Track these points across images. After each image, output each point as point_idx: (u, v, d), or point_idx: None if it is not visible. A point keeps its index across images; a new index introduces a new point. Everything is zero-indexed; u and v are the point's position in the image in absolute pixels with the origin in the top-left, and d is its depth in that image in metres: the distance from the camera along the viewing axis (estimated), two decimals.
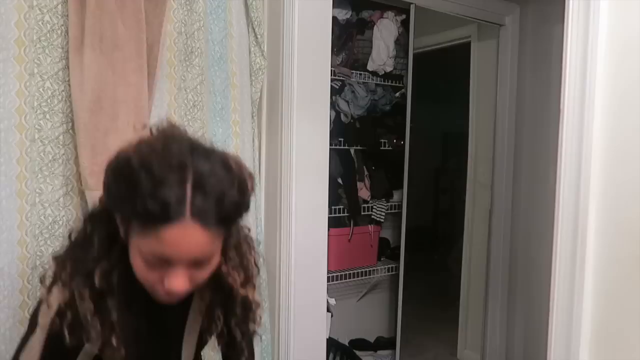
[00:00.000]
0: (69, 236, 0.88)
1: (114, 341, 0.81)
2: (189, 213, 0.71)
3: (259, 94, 1.73)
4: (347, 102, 2.56)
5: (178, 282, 0.76)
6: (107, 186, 0.78)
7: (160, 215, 0.70)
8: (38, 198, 1.31)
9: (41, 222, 1.31)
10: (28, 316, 1.30)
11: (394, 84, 2.72)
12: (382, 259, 2.80)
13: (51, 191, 1.32)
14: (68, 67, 1.31)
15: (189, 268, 0.77)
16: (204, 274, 0.81)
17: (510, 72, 2.74)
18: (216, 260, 0.82)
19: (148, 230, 0.72)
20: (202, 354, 1.05)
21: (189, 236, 0.72)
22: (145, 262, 0.76)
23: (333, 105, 2.47)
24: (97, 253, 0.82)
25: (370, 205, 2.70)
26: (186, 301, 0.92)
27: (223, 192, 0.74)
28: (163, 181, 0.70)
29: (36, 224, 1.31)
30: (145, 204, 0.69)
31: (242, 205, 0.78)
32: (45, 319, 0.83)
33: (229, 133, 1.65)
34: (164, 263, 0.75)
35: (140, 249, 0.75)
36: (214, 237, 0.76)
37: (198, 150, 0.76)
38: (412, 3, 2.57)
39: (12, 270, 1.28)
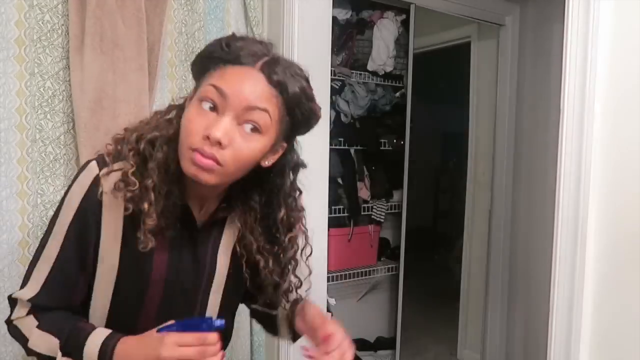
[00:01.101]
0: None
1: (145, 205, 0.78)
2: (259, 66, 0.77)
3: None
4: (347, 102, 2.56)
5: (219, 128, 0.74)
6: (194, 59, 0.83)
7: (233, 57, 0.76)
8: (40, 199, 1.31)
9: (43, 223, 1.31)
10: None
11: (394, 84, 2.73)
12: (382, 259, 2.80)
13: (53, 192, 1.33)
14: (68, 66, 1.31)
15: (236, 124, 0.76)
16: (246, 145, 0.77)
17: (510, 72, 2.74)
18: (262, 142, 0.79)
19: (217, 71, 0.77)
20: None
21: (249, 78, 0.76)
22: (199, 104, 0.76)
23: (333, 105, 2.47)
24: (155, 122, 0.84)
25: (370, 205, 2.70)
26: (217, 237, 0.92)
27: (296, 74, 0.79)
28: (249, 42, 0.79)
29: (38, 226, 1.31)
30: (228, 45, 0.77)
31: (307, 101, 0.81)
32: (85, 180, 0.81)
33: None
34: (215, 105, 0.76)
35: (201, 91, 0.77)
36: (273, 97, 0.77)
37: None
38: (412, 3, 2.57)
39: (12, 272, 1.28)
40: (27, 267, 0.85)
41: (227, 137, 0.75)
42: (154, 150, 0.81)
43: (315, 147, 1.71)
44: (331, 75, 1.82)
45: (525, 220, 2.71)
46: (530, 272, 2.62)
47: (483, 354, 2.93)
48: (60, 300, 0.84)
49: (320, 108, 0.86)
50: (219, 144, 0.74)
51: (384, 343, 2.82)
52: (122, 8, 1.33)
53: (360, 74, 2.60)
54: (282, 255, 0.93)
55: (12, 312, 0.85)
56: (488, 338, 2.89)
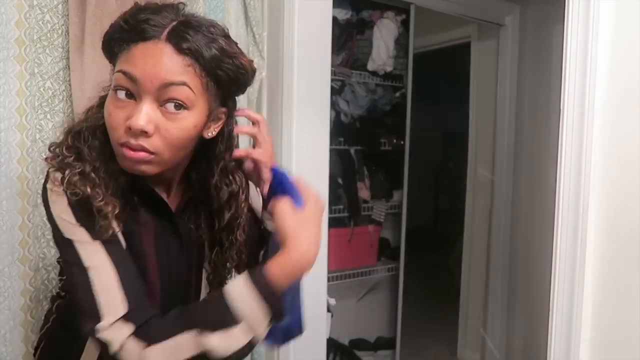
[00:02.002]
0: None
1: (88, 188, 0.73)
2: (165, 36, 0.70)
3: (257, 93, 1.73)
4: (347, 102, 2.56)
5: (138, 117, 0.69)
6: (102, 44, 0.78)
7: (135, 32, 0.70)
8: (40, 199, 1.30)
9: (44, 224, 1.31)
10: (30, 319, 1.30)
11: (394, 84, 2.73)
12: (382, 259, 2.80)
13: None
14: (68, 66, 1.31)
15: (157, 107, 0.71)
16: (174, 125, 0.72)
17: (510, 72, 2.74)
18: (191, 118, 0.73)
19: (122, 53, 0.71)
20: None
21: (157, 52, 0.69)
22: (114, 95, 0.72)
23: (333, 105, 2.47)
24: (90, 112, 0.80)
25: (370, 205, 2.70)
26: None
27: (210, 33, 0.72)
28: (153, 11, 0.71)
29: (38, 226, 1.31)
30: (127, 22, 0.70)
31: (228, 59, 0.73)
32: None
33: None
34: (129, 92, 0.71)
35: (113, 79, 0.72)
36: (187, 67, 0.71)
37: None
38: (412, 3, 2.57)
39: (12, 272, 1.28)
40: (76, 295, 0.74)
41: (150, 124, 0.70)
42: (87, 141, 0.77)
43: (315, 147, 1.71)
44: (331, 75, 1.81)
45: (525, 220, 2.71)
46: (530, 272, 2.62)
47: (483, 354, 2.92)
48: (143, 294, 0.75)
49: (250, 61, 0.79)
50: (144, 133, 0.70)
51: (384, 343, 2.83)
52: (122, 8, 1.32)
53: (360, 74, 2.60)
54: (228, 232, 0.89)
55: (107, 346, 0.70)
56: (488, 338, 2.89)
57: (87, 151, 0.76)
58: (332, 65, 1.91)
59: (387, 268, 2.79)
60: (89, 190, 0.73)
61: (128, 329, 0.70)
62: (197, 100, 0.73)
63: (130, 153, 0.72)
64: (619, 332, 1.06)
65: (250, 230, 0.93)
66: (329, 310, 2.09)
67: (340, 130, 2.52)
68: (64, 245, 0.74)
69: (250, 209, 0.94)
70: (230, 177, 0.87)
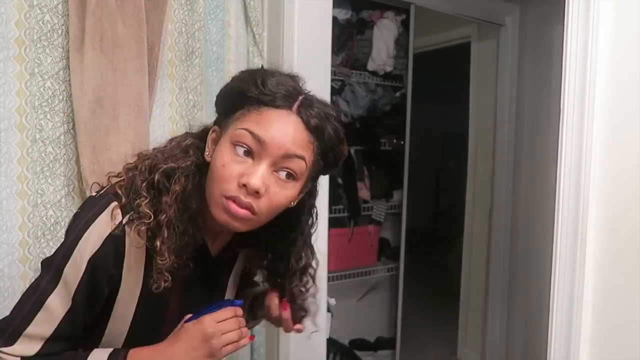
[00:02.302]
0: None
1: (158, 242, 0.73)
2: (295, 109, 0.74)
3: None
4: (347, 102, 2.56)
5: (257, 177, 0.71)
6: (228, 84, 0.79)
7: (270, 99, 0.73)
8: (40, 199, 1.31)
9: (43, 224, 1.31)
10: None
11: (394, 84, 2.73)
12: (382, 259, 2.80)
13: (53, 192, 1.32)
14: (68, 66, 1.31)
15: (272, 170, 0.73)
16: (282, 192, 0.75)
17: (510, 72, 2.74)
18: (295, 189, 0.76)
19: (251, 112, 0.73)
20: None
21: (289, 122, 0.73)
22: (233, 150, 0.72)
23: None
24: (170, 152, 0.79)
25: (370, 205, 2.70)
26: (229, 266, 0.92)
27: (330, 116, 0.76)
28: (281, 82, 0.74)
29: (38, 225, 1.31)
30: (264, 84, 0.73)
31: (340, 144, 0.79)
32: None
33: None
34: (251, 151, 0.72)
35: (234, 133, 0.73)
36: (310, 144, 0.75)
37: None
38: (412, 3, 2.57)
39: (12, 272, 1.28)
40: (17, 312, 0.75)
41: (264, 186, 0.72)
42: (170, 184, 0.75)
43: None
44: (331, 75, 1.81)
45: (525, 220, 2.71)
46: (530, 272, 2.62)
47: (483, 354, 2.92)
48: (65, 348, 0.77)
49: (347, 149, 0.85)
50: (256, 193, 0.72)
51: (384, 343, 2.83)
52: (122, 8, 1.33)
53: (360, 74, 2.60)
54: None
55: None
56: (488, 338, 2.89)
57: (169, 199, 0.75)
58: (332, 65, 1.91)
59: (387, 268, 2.79)
60: (158, 244, 0.74)
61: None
62: (305, 173, 0.77)
63: (236, 208, 0.72)
64: (619, 332, 1.06)
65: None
66: (329, 310, 2.09)
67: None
68: (51, 268, 0.75)
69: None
70: (310, 251, 0.94)
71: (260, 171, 0.72)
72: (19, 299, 0.76)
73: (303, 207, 0.87)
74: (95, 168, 1.30)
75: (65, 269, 0.73)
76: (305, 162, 0.75)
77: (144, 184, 0.75)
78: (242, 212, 0.73)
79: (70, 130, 1.34)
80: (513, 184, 2.78)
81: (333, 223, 2.44)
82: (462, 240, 3.10)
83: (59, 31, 1.31)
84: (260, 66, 0.81)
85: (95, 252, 0.73)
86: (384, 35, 2.59)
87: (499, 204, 2.83)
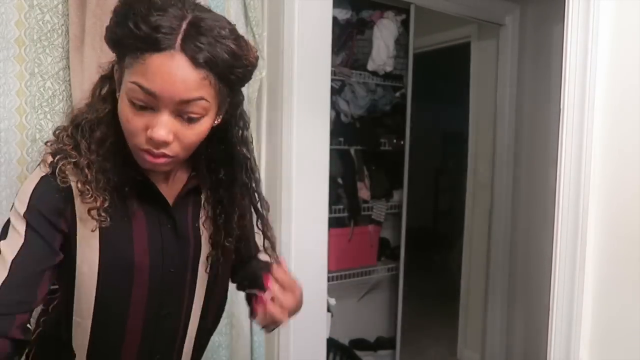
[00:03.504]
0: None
1: (79, 184, 0.76)
2: (179, 45, 0.69)
3: (257, 93, 1.74)
4: (347, 102, 2.56)
5: (160, 129, 0.71)
6: (109, 25, 0.76)
7: (149, 42, 0.68)
8: None
9: None
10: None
11: (394, 84, 2.73)
12: (382, 258, 2.80)
13: None
14: (68, 66, 1.31)
15: (175, 116, 0.73)
16: (192, 132, 0.75)
17: (510, 72, 2.74)
18: (206, 122, 0.76)
19: (136, 61, 0.70)
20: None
21: (175, 68, 0.69)
22: (131, 103, 0.72)
23: (333, 105, 2.47)
24: (91, 104, 0.81)
25: (370, 205, 2.70)
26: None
27: (221, 37, 0.71)
28: (160, 10, 0.69)
29: None
30: (138, 27, 0.68)
31: (239, 62, 0.73)
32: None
33: None
34: (148, 105, 0.71)
35: (127, 86, 0.72)
36: (204, 80, 0.71)
37: (203, 7, 0.75)
38: (412, 3, 2.57)
39: None
40: None
41: (170, 134, 0.73)
42: (86, 133, 0.79)
43: (315, 147, 1.71)
44: (331, 75, 1.81)
45: (525, 220, 2.71)
46: (530, 272, 2.62)
47: (483, 354, 2.92)
48: (19, 305, 0.74)
49: (255, 50, 0.78)
50: (164, 143, 0.73)
51: (384, 343, 2.83)
52: None
53: (360, 74, 2.60)
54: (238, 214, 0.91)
55: None
56: (488, 338, 2.89)
57: (85, 144, 0.78)
58: (332, 65, 1.91)
59: (387, 268, 2.79)
60: (79, 185, 0.76)
61: None
62: (211, 106, 0.75)
63: (152, 159, 0.75)
64: (619, 332, 1.06)
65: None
66: (329, 310, 2.09)
67: (340, 130, 2.52)
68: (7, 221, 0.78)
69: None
70: (249, 153, 0.89)
71: (162, 122, 0.72)
72: None
73: (233, 118, 0.86)
74: None
75: (11, 217, 0.78)
76: (205, 99, 0.73)
77: (66, 136, 0.80)
78: (158, 160, 0.75)
79: None
80: (513, 184, 2.78)
81: (333, 223, 2.44)
82: (462, 240, 3.10)
83: (59, 31, 1.31)
84: None
85: (34, 189, 0.77)
86: (384, 35, 2.59)
87: (499, 204, 2.83)
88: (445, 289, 3.63)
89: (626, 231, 1.04)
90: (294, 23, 1.61)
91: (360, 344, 2.75)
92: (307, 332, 1.71)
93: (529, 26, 2.69)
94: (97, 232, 0.79)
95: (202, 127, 0.76)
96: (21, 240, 0.75)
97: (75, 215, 0.79)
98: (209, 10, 0.75)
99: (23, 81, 1.28)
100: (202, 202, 0.92)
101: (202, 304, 0.92)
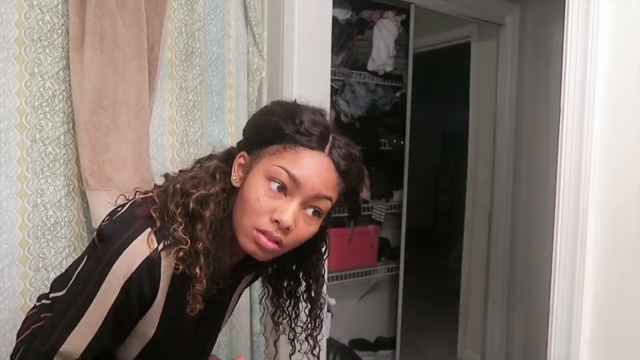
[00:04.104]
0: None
1: (197, 270, 0.76)
2: (328, 151, 0.78)
3: (257, 93, 1.74)
4: (347, 102, 2.56)
5: (289, 214, 0.75)
6: (251, 118, 0.85)
7: (305, 141, 0.76)
8: (40, 199, 1.31)
9: (43, 224, 1.31)
10: None
11: (394, 84, 2.72)
12: (382, 259, 2.80)
13: (53, 192, 1.32)
14: (68, 66, 1.31)
15: (302, 208, 0.77)
16: (306, 228, 0.79)
17: (510, 72, 2.74)
18: (318, 224, 0.81)
19: (287, 150, 0.76)
20: None
21: (324, 166, 0.77)
22: (268, 185, 0.76)
23: (333, 105, 2.47)
24: (200, 177, 0.81)
25: (370, 205, 2.70)
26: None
27: (353, 157, 0.81)
28: (315, 122, 0.78)
29: (38, 225, 1.31)
30: (298, 129, 0.76)
31: (360, 182, 0.82)
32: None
33: (224, 133, 1.66)
34: (284, 188, 0.76)
35: (269, 169, 0.76)
36: (337, 185, 0.79)
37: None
38: (412, 3, 2.57)
39: (12, 272, 1.28)
40: (52, 328, 0.78)
41: (295, 223, 0.76)
42: (202, 209, 0.78)
43: None
44: (331, 75, 1.81)
45: (525, 220, 2.71)
46: (530, 272, 2.62)
47: (483, 354, 2.92)
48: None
49: (365, 185, 0.89)
50: (287, 229, 0.76)
51: (384, 343, 2.82)
52: (122, 8, 1.33)
53: (360, 74, 2.60)
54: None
55: None
56: (488, 338, 2.89)
57: (203, 225, 0.77)
58: (332, 65, 1.91)
59: (387, 268, 2.79)
60: (198, 271, 0.76)
61: None
62: (329, 210, 0.82)
63: (266, 242, 0.76)
64: (619, 333, 1.06)
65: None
66: (329, 310, 2.09)
67: (340, 130, 2.52)
68: (87, 287, 0.76)
69: None
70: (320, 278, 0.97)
71: (293, 208, 0.76)
72: (51, 315, 0.80)
73: (319, 234, 0.88)
74: (95, 168, 1.30)
75: (100, 292, 0.75)
76: (332, 201, 0.80)
77: (178, 210, 0.78)
78: (272, 245, 0.76)
79: (70, 130, 1.34)
80: (513, 184, 2.78)
81: (333, 223, 2.43)
82: (462, 240, 3.10)
83: (59, 31, 1.31)
84: (293, 100, 0.83)
85: (130, 276, 0.74)
86: (384, 35, 2.59)
87: (499, 204, 2.82)
88: (445, 289, 3.63)
89: (626, 231, 1.04)
90: (294, 23, 1.61)
91: (360, 344, 2.75)
92: None
93: (529, 26, 2.69)
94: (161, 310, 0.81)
95: (314, 228, 0.81)
96: (99, 323, 0.76)
97: (156, 295, 0.79)
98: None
99: (23, 81, 1.28)
100: (245, 279, 0.98)
101: (220, 328, 1.01)
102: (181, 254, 0.75)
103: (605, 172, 1.07)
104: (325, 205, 0.79)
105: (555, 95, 1.17)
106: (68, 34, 1.31)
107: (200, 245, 0.76)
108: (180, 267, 0.76)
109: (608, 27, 1.06)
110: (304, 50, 1.64)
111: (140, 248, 0.75)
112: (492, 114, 2.85)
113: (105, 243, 0.77)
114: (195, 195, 0.78)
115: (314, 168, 0.76)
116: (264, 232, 0.76)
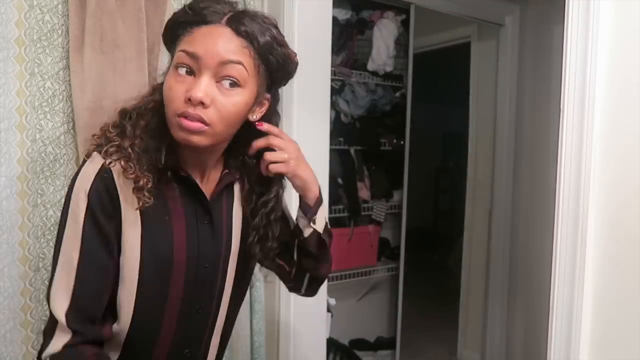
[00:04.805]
0: None
1: (123, 162, 0.79)
2: (225, 21, 0.79)
3: None
4: (347, 102, 2.56)
5: (197, 88, 0.76)
6: (164, 29, 0.86)
7: (198, 19, 0.79)
8: (40, 199, 1.30)
9: (43, 224, 1.31)
10: (30, 319, 1.30)
11: (394, 84, 2.73)
12: (382, 259, 2.80)
13: (53, 192, 1.32)
14: (68, 66, 1.31)
15: (214, 82, 0.78)
16: (228, 100, 0.79)
17: (510, 72, 2.74)
18: (244, 95, 0.81)
19: (185, 35, 0.79)
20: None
21: (217, 34, 0.78)
22: (175, 71, 0.79)
23: (333, 105, 2.47)
24: (141, 94, 0.87)
25: (370, 205, 2.70)
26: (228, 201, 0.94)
27: (264, 22, 0.81)
28: (211, 3, 0.80)
29: (38, 225, 1.31)
30: (191, 8, 0.80)
31: (279, 48, 0.82)
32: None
33: None
34: (190, 69, 0.78)
35: (174, 59, 0.80)
36: (244, 49, 0.79)
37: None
38: (412, 3, 2.57)
39: (12, 272, 1.28)
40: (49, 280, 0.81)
41: (208, 96, 0.77)
42: (132, 119, 0.83)
43: (315, 147, 1.71)
44: (331, 75, 1.81)
45: (525, 220, 2.71)
46: (530, 272, 2.62)
47: (483, 354, 2.93)
48: (95, 309, 0.81)
49: (295, 54, 0.88)
50: (201, 104, 0.76)
51: (384, 343, 2.83)
52: (122, 8, 1.33)
53: (360, 74, 2.60)
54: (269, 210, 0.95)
55: (44, 345, 0.79)
56: (488, 338, 2.89)
57: (130, 129, 0.82)
58: (332, 65, 1.91)
59: (387, 268, 2.79)
60: (122, 163, 0.79)
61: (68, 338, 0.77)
62: (249, 80, 0.80)
63: (187, 122, 0.77)
64: (619, 333, 1.06)
65: (282, 233, 0.98)
66: (329, 310, 2.09)
67: (340, 130, 2.52)
68: (60, 220, 0.81)
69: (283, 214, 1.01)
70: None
71: (202, 84, 0.77)
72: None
73: (265, 120, 0.91)
74: None
75: (69, 213, 0.79)
76: (244, 66, 0.79)
77: (111, 126, 0.84)
78: (194, 124, 0.77)
79: (70, 130, 1.34)
80: (513, 184, 2.78)
81: (333, 223, 2.44)
82: (462, 240, 3.10)
83: (59, 31, 1.31)
84: None
85: (90, 187, 0.79)
86: (384, 35, 2.59)
87: (499, 204, 2.83)
88: (445, 289, 3.64)
89: (626, 231, 1.04)
90: (294, 23, 1.61)
91: (360, 344, 2.75)
92: (307, 332, 1.71)
93: (529, 26, 2.69)
94: (139, 223, 0.82)
95: (239, 98, 0.80)
96: (78, 242, 0.79)
97: (119, 199, 0.81)
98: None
99: (23, 81, 1.27)
100: (234, 199, 0.96)
101: (229, 297, 0.96)
102: (112, 149, 0.80)
103: (605, 172, 1.07)
104: (238, 72, 0.78)
105: (556, 95, 1.17)
106: (68, 34, 1.30)
107: (126, 142, 0.81)
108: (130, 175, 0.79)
109: (608, 27, 1.06)
110: (304, 50, 1.63)
111: (91, 166, 0.81)
112: (492, 114, 2.85)
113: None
114: (124, 108, 0.85)
115: (208, 39, 0.78)
116: (183, 115, 0.77)
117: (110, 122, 0.85)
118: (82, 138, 1.30)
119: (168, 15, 1.45)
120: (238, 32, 0.78)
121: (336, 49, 2.43)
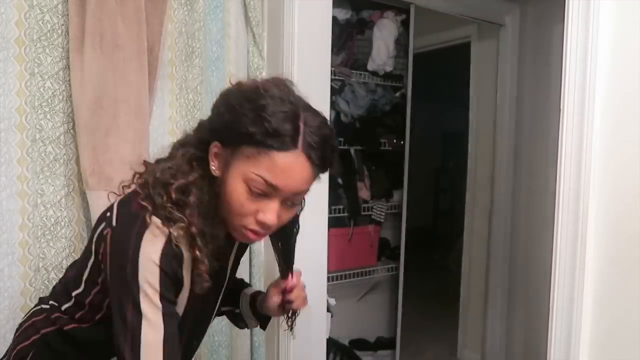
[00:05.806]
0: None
1: (197, 252, 0.81)
2: (301, 147, 0.78)
3: None
4: (347, 102, 2.56)
5: (273, 215, 0.80)
6: (219, 109, 0.83)
7: (278, 142, 0.76)
8: (40, 199, 1.31)
9: (43, 224, 1.31)
10: None
11: (394, 84, 2.72)
12: (382, 259, 2.80)
13: (52, 192, 1.32)
14: (68, 66, 1.31)
15: (282, 204, 0.81)
16: (288, 214, 0.85)
17: (510, 72, 2.74)
18: (296, 207, 0.87)
19: (261, 155, 0.76)
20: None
21: (299, 167, 0.78)
22: (249, 190, 0.79)
23: (333, 105, 2.47)
24: (177, 167, 0.84)
25: (370, 205, 2.70)
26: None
27: (327, 137, 0.81)
28: (279, 112, 0.76)
29: (38, 226, 1.31)
30: (265, 129, 0.75)
31: (335, 155, 0.84)
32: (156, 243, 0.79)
33: None
34: (265, 193, 0.79)
35: (248, 175, 0.78)
36: (314, 176, 0.82)
37: (303, 100, 0.84)
38: (412, 3, 2.57)
39: (12, 272, 1.28)
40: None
41: (279, 220, 0.82)
42: (185, 197, 0.82)
43: None
44: (331, 75, 1.81)
45: (525, 221, 2.71)
46: (530, 272, 2.62)
47: (483, 354, 2.92)
48: None
49: (338, 149, 0.89)
50: (273, 226, 0.82)
51: (384, 343, 2.82)
52: (122, 8, 1.33)
53: (360, 74, 2.60)
54: None
55: None
56: (488, 338, 2.89)
57: (191, 211, 0.81)
58: (332, 65, 1.91)
59: (387, 268, 2.79)
60: (197, 253, 0.81)
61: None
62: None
63: (254, 237, 0.84)
64: (619, 333, 1.06)
65: None
66: (329, 310, 2.09)
67: (340, 130, 2.52)
68: (130, 284, 0.77)
69: None
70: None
71: (275, 209, 0.80)
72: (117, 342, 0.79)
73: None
74: (95, 168, 1.30)
75: (141, 284, 0.77)
76: (309, 189, 0.83)
77: (164, 198, 0.81)
78: (259, 238, 0.86)
79: (70, 130, 1.34)
80: (513, 184, 2.78)
81: (333, 223, 2.44)
82: (462, 240, 3.10)
83: (59, 31, 1.32)
84: (255, 85, 0.82)
85: (161, 257, 0.78)
86: (384, 35, 2.59)
87: (499, 204, 2.82)
88: (446, 289, 3.64)
89: (626, 231, 1.04)
90: (294, 23, 1.61)
91: (360, 344, 2.74)
92: (307, 332, 1.71)
93: (529, 26, 2.69)
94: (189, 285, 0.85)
95: (293, 212, 0.87)
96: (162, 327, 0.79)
97: (183, 273, 0.83)
98: (306, 103, 0.85)
99: (23, 81, 1.28)
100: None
101: (224, 293, 1.04)
102: (182, 232, 0.79)
103: (605, 172, 1.07)
104: (303, 195, 0.84)
105: (555, 96, 1.17)
106: (68, 34, 1.31)
107: (193, 228, 0.80)
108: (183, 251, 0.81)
109: (608, 27, 1.06)
110: (304, 50, 1.64)
111: (156, 231, 0.78)
112: (492, 114, 2.85)
113: (117, 241, 0.80)
114: (175, 185, 0.82)
115: (289, 172, 0.78)
116: (252, 231, 0.83)
117: (152, 188, 0.82)
118: (82, 138, 1.30)
119: (168, 15, 1.46)
120: (313, 163, 0.79)
121: (336, 49, 2.43)
